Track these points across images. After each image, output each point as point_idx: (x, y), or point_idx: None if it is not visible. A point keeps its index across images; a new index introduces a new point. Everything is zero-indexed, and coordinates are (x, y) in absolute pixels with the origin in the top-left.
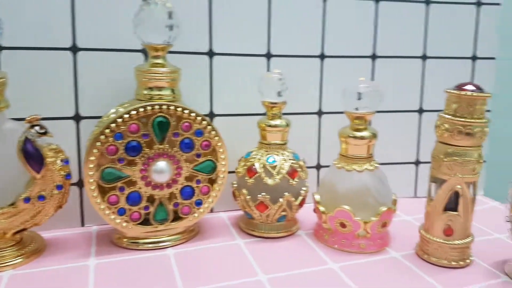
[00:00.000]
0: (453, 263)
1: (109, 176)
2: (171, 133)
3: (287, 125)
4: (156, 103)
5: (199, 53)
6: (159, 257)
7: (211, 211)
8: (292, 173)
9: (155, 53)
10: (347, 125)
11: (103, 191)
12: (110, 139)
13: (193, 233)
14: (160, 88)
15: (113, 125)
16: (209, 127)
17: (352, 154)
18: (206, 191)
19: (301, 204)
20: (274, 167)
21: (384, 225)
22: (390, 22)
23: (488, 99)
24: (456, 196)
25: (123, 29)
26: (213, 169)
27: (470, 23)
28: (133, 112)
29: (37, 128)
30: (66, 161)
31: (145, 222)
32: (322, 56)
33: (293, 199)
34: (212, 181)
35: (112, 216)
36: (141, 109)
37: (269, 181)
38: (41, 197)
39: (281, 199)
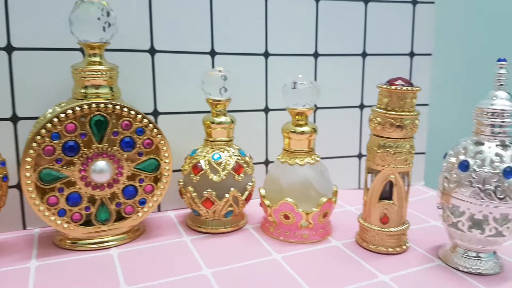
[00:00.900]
0: (390, 249)
1: (47, 177)
2: (110, 132)
3: (232, 122)
4: (93, 101)
5: (141, 51)
6: (102, 257)
7: (159, 209)
8: (237, 169)
9: (92, 51)
10: (290, 121)
11: (43, 193)
12: (46, 139)
13: (138, 232)
14: (97, 86)
15: (49, 125)
16: (150, 125)
17: (294, 149)
18: (150, 190)
19: (247, 199)
20: (219, 164)
21: (325, 215)
22: (331, 21)
23: (418, 93)
24: (390, 185)
25: (60, 28)
26: (157, 167)
27: (407, 21)
28: (70, 112)
29: None
30: (2, 163)
31: (88, 222)
32: (266, 54)
33: (239, 194)
34: (156, 180)
35: (52, 218)
36: (78, 108)
37: (215, 178)
38: None
39: (227, 195)
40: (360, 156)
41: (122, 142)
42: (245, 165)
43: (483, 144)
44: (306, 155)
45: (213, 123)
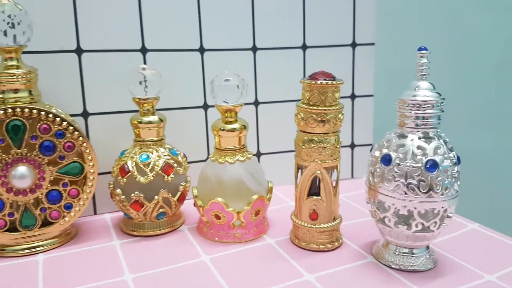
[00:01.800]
0: (321, 246)
1: None
2: (28, 137)
3: (162, 120)
4: (8, 106)
5: (67, 51)
6: (26, 263)
7: (95, 212)
8: (167, 169)
9: (8, 55)
10: (219, 118)
11: None
12: None
13: (69, 236)
14: (16, 91)
15: None
16: (70, 127)
17: (225, 147)
18: (75, 194)
19: (180, 200)
20: (147, 165)
21: (258, 213)
22: (268, 13)
23: (363, 83)
24: (319, 181)
25: None
26: (81, 170)
27: (348, 10)
28: None
29: None
30: None
31: (14, 228)
32: (201, 50)
33: (170, 195)
34: (82, 183)
35: None
36: None
37: (142, 179)
38: None
39: (156, 197)
40: None
41: (42, 146)
42: (176, 165)
43: (406, 136)
44: (237, 152)
45: (140, 122)
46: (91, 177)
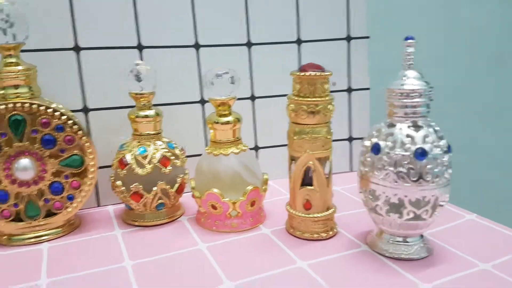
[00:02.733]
0: (315, 235)
1: None
2: (29, 131)
3: (158, 114)
4: (9, 102)
5: (65, 49)
6: (32, 251)
7: (98, 205)
8: (164, 162)
9: (7, 52)
10: (214, 111)
11: None
12: None
13: (73, 226)
14: (16, 86)
15: None
16: (70, 121)
17: (219, 139)
18: (76, 186)
19: (179, 191)
20: (145, 157)
21: (253, 203)
22: (262, 8)
23: (359, 77)
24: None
25: None
26: (81, 163)
27: (342, 4)
28: None
29: None
30: None
31: (20, 219)
32: (197, 46)
33: (169, 187)
34: (83, 176)
35: None
36: None
37: (140, 171)
38: None
39: (154, 188)
40: None
41: (43, 139)
42: (173, 158)
43: (395, 125)
44: (231, 145)
45: (137, 117)
46: (92, 170)
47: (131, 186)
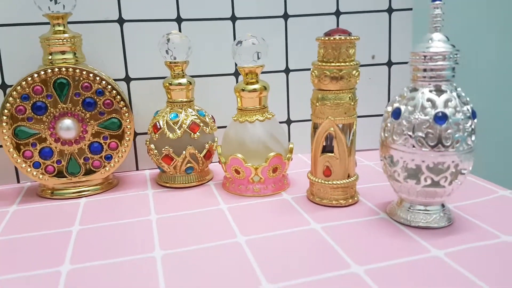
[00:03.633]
0: (334, 202)
1: (21, 134)
2: (72, 93)
3: (190, 83)
4: (55, 66)
5: (110, 21)
6: (70, 205)
7: (137, 168)
8: (193, 127)
9: (56, 21)
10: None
11: (18, 149)
12: (17, 100)
13: (111, 185)
14: (63, 52)
15: (18, 88)
16: (109, 87)
17: (245, 107)
18: (114, 147)
19: (207, 157)
20: (176, 123)
21: (275, 170)
22: None
23: (399, 51)
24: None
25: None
26: (119, 126)
27: None
28: (35, 75)
29: None
30: None
31: (61, 174)
32: (233, 18)
33: (197, 151)
34: (121, 137)
35: (29, 169)
36: (42, 72)
37: (171, 135)
38: None
39: (184, 152)
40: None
41: (84, 102)
42: (202, 124)
43: (417, 90)
44: (257, 112)
45: (171, 84)
46: (128, 132)
47: (162, 149)
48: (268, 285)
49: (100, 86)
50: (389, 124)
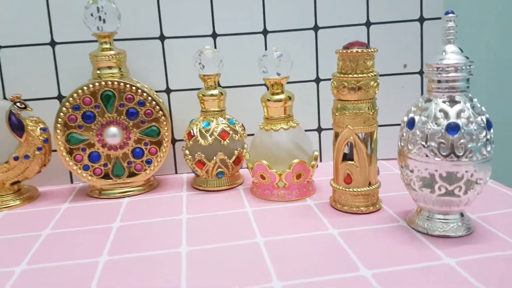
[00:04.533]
0: (355, 208)
1: (73, 140)
2: (117, 104)
3: (222, 94)
4: (102, 80)
5: (152, 38)
6: (113, 204)
7: (176, 172)
8: (223, 135)
9: (103, 39)
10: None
11: (71, 153)
12: (70, 110)
13: (152, 187)
14: (109, 67)
15: (71, 99)
16: (149, 98)
17: (271, 116)
18: (154, 152)
19: (236, 163)
20: (207, 130)
21: (299, 176)
22: None
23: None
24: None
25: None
26: (158, 133)
27: None
28: (85, 88)
29: (18, 104)
30: (44, 129)
31: (108, 176)
32: (265, 32)
33: (226, 157)
34: (160, 144)
35: (79, 171)
36: (90, 85)
37: (203, 142)
38: (26, 156)
39: (214, 157)
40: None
41: (128, 112)
42: (231, 132)
43: (431, 100)
44: (282, 121)
45: (204, 95)
46: (166, 139)
47: (195, 155)
48: (277, 282)
49: (141, 98)
50: (404, 134)
